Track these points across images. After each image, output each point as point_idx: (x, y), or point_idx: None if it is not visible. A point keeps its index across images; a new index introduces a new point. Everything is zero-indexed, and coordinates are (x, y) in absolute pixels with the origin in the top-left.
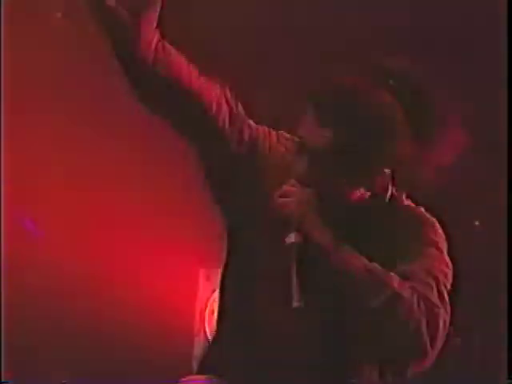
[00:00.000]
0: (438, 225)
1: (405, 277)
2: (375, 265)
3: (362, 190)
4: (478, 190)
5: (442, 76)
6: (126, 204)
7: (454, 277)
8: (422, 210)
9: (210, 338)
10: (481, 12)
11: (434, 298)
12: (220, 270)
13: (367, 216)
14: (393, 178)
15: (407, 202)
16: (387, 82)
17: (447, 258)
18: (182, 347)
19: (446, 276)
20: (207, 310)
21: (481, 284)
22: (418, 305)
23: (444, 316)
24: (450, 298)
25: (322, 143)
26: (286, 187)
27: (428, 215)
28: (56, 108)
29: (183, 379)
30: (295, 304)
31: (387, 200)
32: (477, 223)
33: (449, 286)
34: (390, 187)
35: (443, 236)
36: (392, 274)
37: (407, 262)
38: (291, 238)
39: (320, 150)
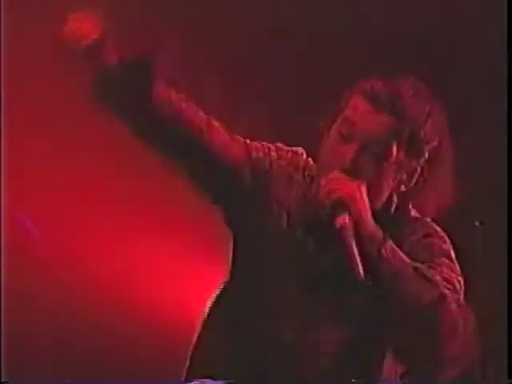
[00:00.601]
0: (444, 234)
1: None
2: (420, 264)
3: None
4: (478, 190)
5: (442, 76)
6: (126, 203)
7: None
8: (429, 220)
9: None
10: (481, 13)
11: (465, 306)
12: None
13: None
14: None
15: (414, 213)
16: None
17: (458, 268)
18: (182, 347)
19: (460, 284)
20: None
21: (481, 284)
22: (459, 311)
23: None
24: None
25: (376, 129)
26: (332, 175)
27: (435, 225)
28: (57, 107)
29: (195, 381)
30: (360, 276)
31: (393, 210)
32: (477, 223)
33: (462, 295)
34: (394, 197)
35: (451, 246)
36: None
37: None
38: (344, 218)
39: (374, 136)
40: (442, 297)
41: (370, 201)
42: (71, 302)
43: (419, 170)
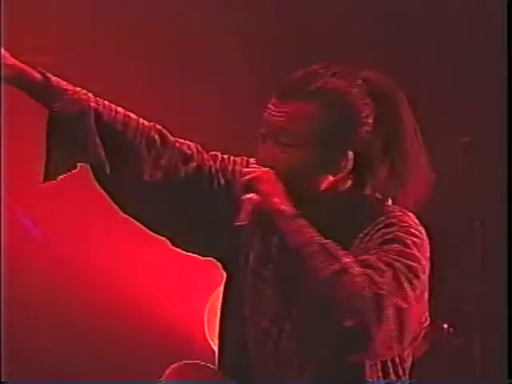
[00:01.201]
0: (414, 228)
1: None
2: (330, 242)
3: (330, 177)
4: (478, 190)
5: (442, 76)
6: None
7: (454, 278)
8: (409, 216)
9: (209, 338)
10: (481, 14)
11: (383, 283)
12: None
13: (333, 210)
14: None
15: (391, 207)
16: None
17: (417, 254)
18: (181, 347)
19: (409, 268)
20: (206, 309)
21: (481, 284)
22: (365, 285)
23: (395, 303)
24: (432, 296)
25: (279, 120)
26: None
27: (404, 216)
28: None
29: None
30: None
31: (347, 186)
32: (477, 223)
33: (415, 281)
34: (348, 177)
35: (419, 236)
36: (347, 252)
37: (365, 255)
38: (249, 196)
39: (279, 127)
40: (343, 271)
41: (306, 188)
42: (71, 302)
43: (351, 153)
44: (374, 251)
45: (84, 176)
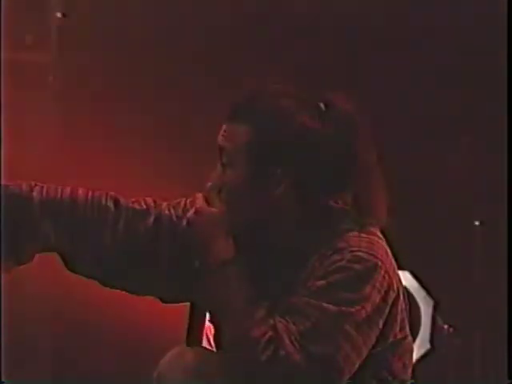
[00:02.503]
0: (364, 251)
1: (286, 311)
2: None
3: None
4: (478, 190)
5: (441, 77)
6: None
7: (454, 278)
8: (363, 236)
9: (210, 337)
10: (481, 14)
11: (295, 341)
12: None
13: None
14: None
15: (348, 227)
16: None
17: (354, 296)
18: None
19: (342, 315)
20: None
21: (481, 284)
22: (265, 350)
23: (304, 363)
24: (433, 296)
25: (220, 139)
26: (198, 206)
27: (357, 239)
28: (57, 107)
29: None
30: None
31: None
32: (477, 223)
33: (347, 327)
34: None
35: (368, 261)
36: (259, 311)
37: (298, 294)
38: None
39: (219, 146)
40: (243, 338)
41: (249, 207)
42: (71, 301)
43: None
44: (310, 291)
45: (84, 176)
